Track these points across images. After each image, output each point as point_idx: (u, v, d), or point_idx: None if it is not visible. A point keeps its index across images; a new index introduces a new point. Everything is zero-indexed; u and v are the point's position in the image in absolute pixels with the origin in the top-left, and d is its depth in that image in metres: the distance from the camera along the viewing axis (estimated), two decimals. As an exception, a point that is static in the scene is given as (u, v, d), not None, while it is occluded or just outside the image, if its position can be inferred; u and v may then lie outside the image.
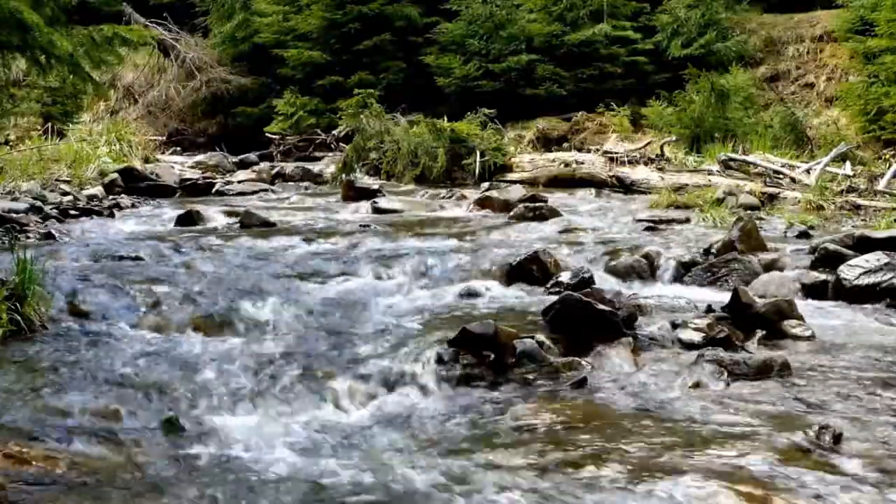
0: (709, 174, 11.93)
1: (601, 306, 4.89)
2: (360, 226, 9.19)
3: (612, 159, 13.24)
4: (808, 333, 5.14)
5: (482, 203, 10.69)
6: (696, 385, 4.28)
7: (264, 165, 15.98)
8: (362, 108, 13.98)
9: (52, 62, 6.92)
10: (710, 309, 5.44)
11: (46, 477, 3.27)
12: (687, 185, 11.50)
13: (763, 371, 4.44)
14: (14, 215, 8.74)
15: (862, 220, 9.18)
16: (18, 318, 4.84)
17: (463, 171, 13.36)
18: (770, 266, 6.66)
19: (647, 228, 8.78)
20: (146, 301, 5.63)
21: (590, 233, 8.50)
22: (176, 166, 14.96)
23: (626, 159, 13.19)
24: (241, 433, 3.79)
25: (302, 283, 6.37)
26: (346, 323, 5.36)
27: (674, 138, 14.14)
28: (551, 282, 6.27)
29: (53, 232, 8.29)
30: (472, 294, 6.16)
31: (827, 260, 6.56)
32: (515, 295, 6.23)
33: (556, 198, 11.01)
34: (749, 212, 9.34)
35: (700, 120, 14.19)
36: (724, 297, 5.60)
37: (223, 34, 21.90)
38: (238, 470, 3.43)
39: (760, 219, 8.89)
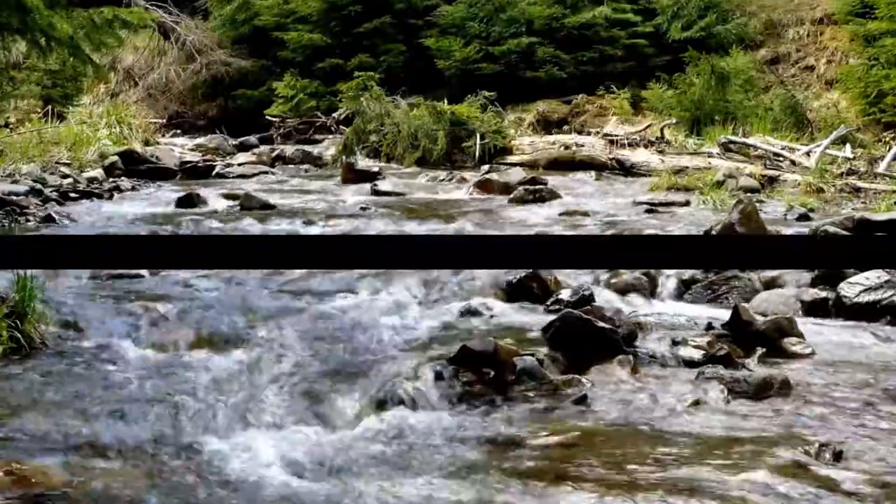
0: (709, 157, 11.92)
1: (601, 324, 4.85)
2: (361, 208, 9.23)
3: (612, 142, 13.24)
4: (808, 351, 5.06)
5: (482, 185, 10.71)
6: (697, 403, 4.24)
7: (264, 148, 15.99)
8: (362, 90, 13.96)
9: (52, 45, 6.94)
10: (710, 326, 5.33)
11: (46, 494, 3.27)
12: (687, 167, 11.50)
13: (763, 389, 4.39)
14: (14, 198, 8.77)
15: (862, 202, 9.19)
16: (18, 335, 4.76)
17: (463, 153, 13.35)
18: (771, 284, 6.59)
19: (647, 211, 8.81)
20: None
21: (590, 215, 8.51)
22: (176, 149, 14.97)
23: (626, 142, 13.18)
24: (238, 450, 3.72)
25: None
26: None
27: (674, 121, 14.13)
28: (551, 299, 6.11)
29: (53, 215, 8.32)
30: (471, 311, 5.89)
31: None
32: (515, 312, 6.01)
33: (556, 180, 11.00)
34: (749, 194, 9.34)
35: (700, 102, 14.17)
36: (724, 314, 5.45)
37: (223, 17, 21.80)
38: (236, 488, 3.40)
39: (760, 201, 8.90)
